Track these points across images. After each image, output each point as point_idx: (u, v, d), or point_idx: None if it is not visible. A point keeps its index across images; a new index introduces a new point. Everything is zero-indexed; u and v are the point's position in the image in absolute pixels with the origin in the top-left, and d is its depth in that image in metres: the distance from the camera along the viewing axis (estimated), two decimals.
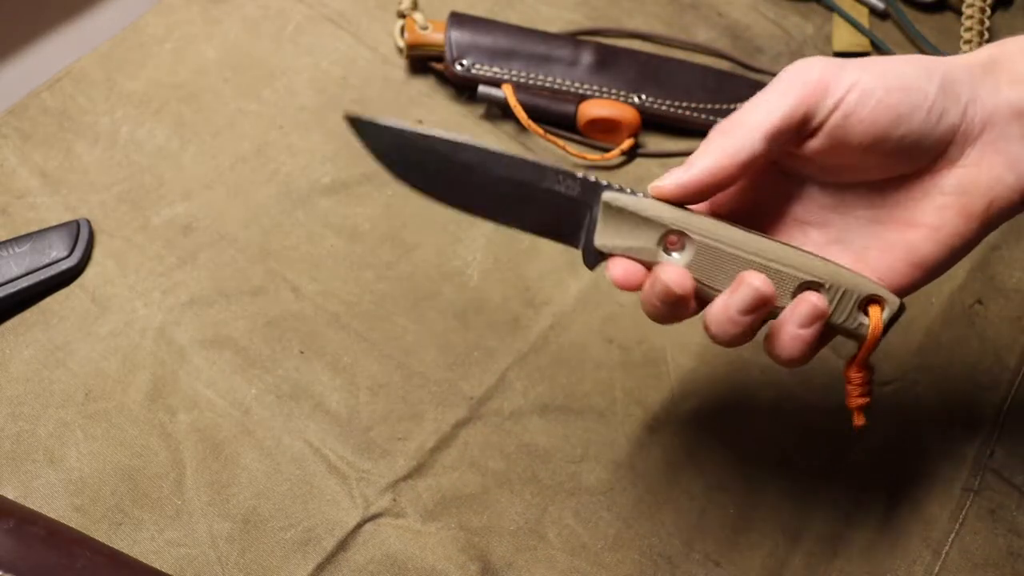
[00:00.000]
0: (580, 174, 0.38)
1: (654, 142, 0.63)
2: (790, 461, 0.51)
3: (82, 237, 0.53)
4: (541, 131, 0.59)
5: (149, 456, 0.48)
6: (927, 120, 0.36)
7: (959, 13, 0.71)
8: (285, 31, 0.64)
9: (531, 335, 0.54)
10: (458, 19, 0.62)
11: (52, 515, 0.45)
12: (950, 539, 0.50)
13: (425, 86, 0.63)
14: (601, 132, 0.61)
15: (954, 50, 0.69)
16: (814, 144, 0.37)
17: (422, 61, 0.63)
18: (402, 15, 0.63)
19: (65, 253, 0.52)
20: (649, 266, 0.38)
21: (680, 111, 0.62)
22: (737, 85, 0.65)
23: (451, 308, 0.54)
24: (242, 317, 0.52)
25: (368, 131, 0.38)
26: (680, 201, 0.37)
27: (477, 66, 0.61)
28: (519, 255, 0.56)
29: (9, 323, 0.51)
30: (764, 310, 0.36)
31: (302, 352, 0.52)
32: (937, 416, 0.54)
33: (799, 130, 0.37)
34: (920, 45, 0.69)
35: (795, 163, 0.39)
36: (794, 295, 0.37)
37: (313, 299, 0.54)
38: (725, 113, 0.63)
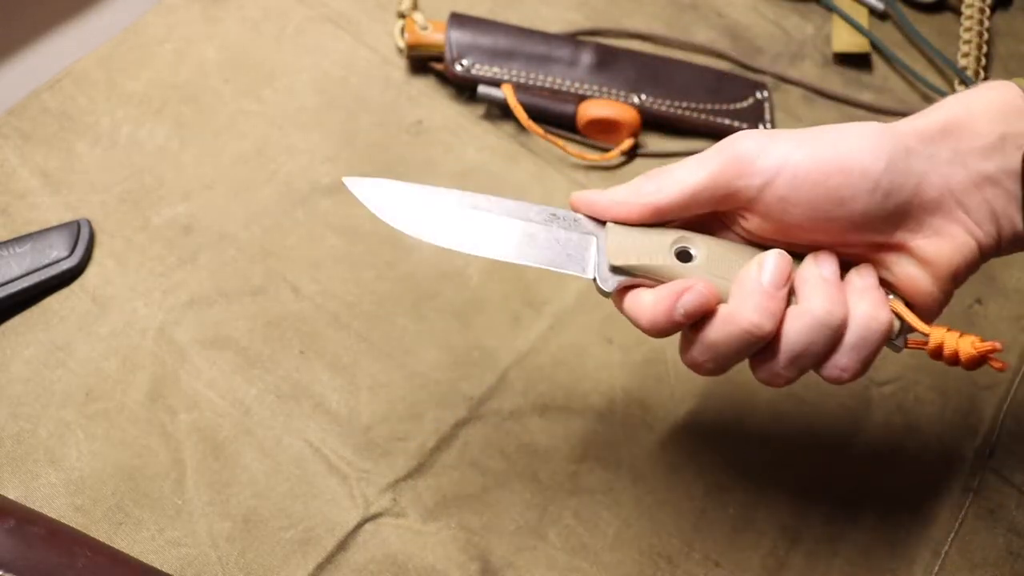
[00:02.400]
0: (575, 214, 0.39)
1: (654, 142, 0.63)
2: (790, 461, 0.51)
3: (82, 237, 0.53)
4: (541, 131, 0.59)
5: (149, 456, 0.48)
6: (871, 200, 0.35)
7: (959, 13, 0.71)
8: (285, 31, 0.64)
9: (531, 335, 0.54)
10: (458, 19, 0.62)
11: (53, 515, 0.45)
12: (950, 539, 0.50)
13: (425, 86, 0.63)
14: (601, 132, 0.61)
15: (954, 50, 0.69)
16: (754, 221, 0.37)
17: (422, 61, 0.63)
18: (402, 15, 0.63)
19: (66, 253, 0.52)
20: (663, 282, 0.37)
21: (680, 111, 0.62)
22: (737, 85, 0.65)
23: (451, 308, 0.54)
24: (242, 317, 0.52)
25: (368, 192, 0.39)
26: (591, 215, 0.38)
27: (477, 66, 0.61)
28: None
29: (10, 323, 0.51)
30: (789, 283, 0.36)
31: (302, 352, 0.52)
32: (937, 416, 0.54)
33: (723, 202, 0.36)
34: (920, 45, 0.70)
35: (749, 235, 0.38)
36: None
37: (313, 299, 0.54)
38: (725, 113, 0.63)
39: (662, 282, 0.37)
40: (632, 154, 0.62)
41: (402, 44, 0.62)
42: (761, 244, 0.38)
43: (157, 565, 0.45)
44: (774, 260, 0.36)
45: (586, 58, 0.62)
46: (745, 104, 0.64)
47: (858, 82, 0.68)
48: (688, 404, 0.52)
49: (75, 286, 0.52)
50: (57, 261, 0.52)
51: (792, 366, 0.36)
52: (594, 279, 0.38)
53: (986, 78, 0.68)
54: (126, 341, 0.51)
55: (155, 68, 0.61)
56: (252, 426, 0.49)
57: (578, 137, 0.62)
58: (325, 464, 0.49)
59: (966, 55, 0.68)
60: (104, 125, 0.58)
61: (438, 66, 0.62)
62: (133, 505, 0.46)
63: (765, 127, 0.63)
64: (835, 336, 0.35)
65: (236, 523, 0.46)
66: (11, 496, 0.45)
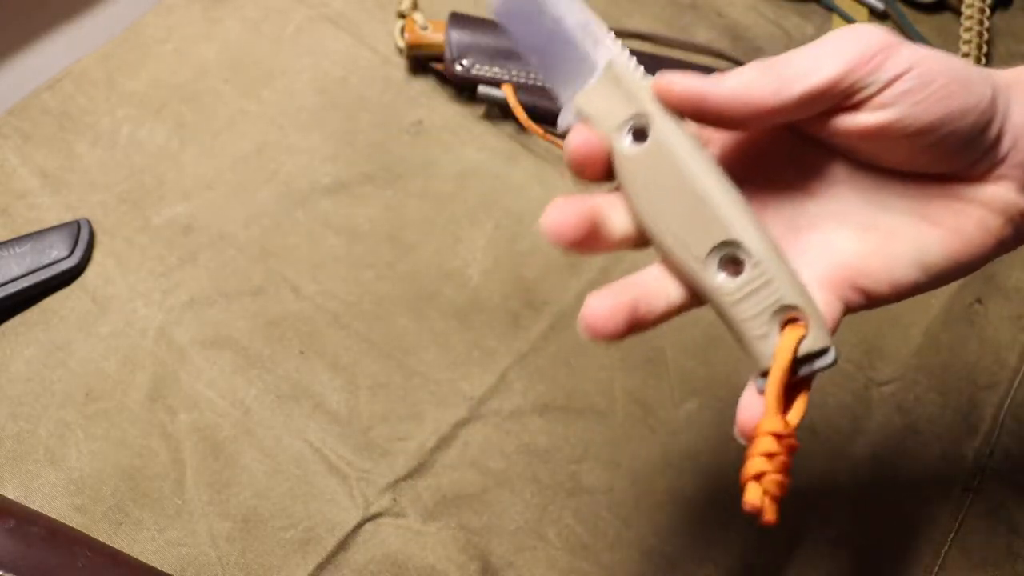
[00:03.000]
0: (606, 35, 0.34)
1: None
2: (795, 466, 0.51)
3: (82, 237, 0.53)
4: (541, 131, 0.59)
5: (149, 456, 0.48)
6: (977, 123, 0.34)
7: (958, 13, 0.71)
8: (285, 31, 0.64)
9: (531, 335, 0.54)
10: (458, 19, 0.62)
11: (53, 515, 0.45)
12: (950, 539, 0.50)
13: (425, 86, 0.63)
14: None
15: (954, 50, 0.69)
16: (860, 119, 0.34)
17: (422, 61, 0.63)
18: (402, 15, 0.63)
19: (65, 253, 0.52)
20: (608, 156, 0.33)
21: None
22: None
23: (451, 308, 0.54)
24: (242, 317, 0.53)
25: None
26: (678, 109, 0.33)
27: (477, 66, 0.61)
28: (519, 255, 0.56)
29: (9, 323, 0.51)
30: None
31: (302, 352, 0.52)
32: (937, 416, 0.54)
33: (844, 97, 0.33)
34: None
35: (825, 131, 0.35)
36: (710, 253, 0.31)
37: (313, 299, 0.54)
38: None
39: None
40: None
41: (402, 44, 0.62)
42: (839, 151, 0.35)
43: (157, 565, 0.45)
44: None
45: None
46: None
47: None
48: (688, 404, 0.52)
49: (75, 286, 0.52)
50: (57, 261, 0.52)
51: None
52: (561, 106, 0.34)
53: None
54: (126, 341, 0.51)
55: (155, 68, 0.61)
56: (252, 426, 0.49)
57: None
58: (325, 464, 0.49)
59: (966, 55, 0.68)
60: (104, 125, 0.58)
61: (438, 66, 0.62)
62: (133, 505, 0.46)
63: None
64: None
65: (236, 523, 0.46)
66: (11, 496, 0.45)
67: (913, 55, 0.34)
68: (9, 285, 0.51)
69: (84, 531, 0.45)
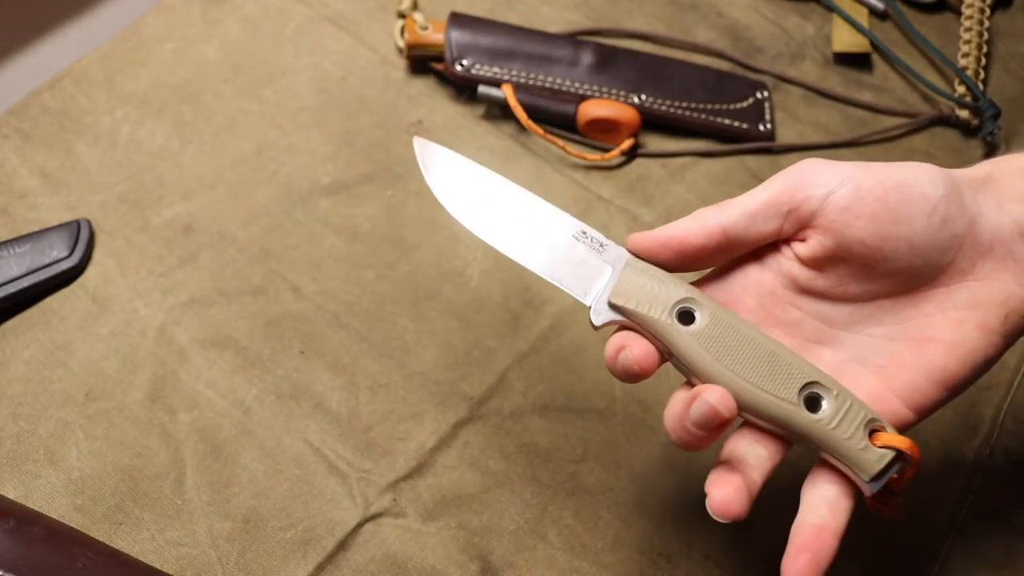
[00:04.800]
0: (608, 240, 0.39)
1: (654, 142, 0.63)
2: (790, 461, 0.51)
3: (82, 237, 0.53)
4: (541, 131, 0.59)
5: (149, 456, 0.48)
6: (929, 224, 0.35)
7: (958, 13, 0.71)
8: (285, 31, 0.64)
9: (531, 335, 0.54)
10: (458, 19, 0.62)
11: (53, 515, 0.45)
12: (950, 539, 0.50)
13: (425, 86, 0.63)
14: (601, 132, 0.61)
15: (954, 50, 0.69)
16: (814, 243, 0.37)
17: (422, 61, 0.63)
18: (402, 15, 0.63)
19: (66, 253, 0.52)
20: (656, 338, 0.37)
21: (680, 111, 0.62)
22: (737, 85, 0.65)
23: (451, 308, 0.54)
24: (242, 317, 0.53)
25: (429, 154, 0.41)
26: (654, 257, 0.38)
27: (477, 66, 0.61)
28: None
29: (9, 323, 0.51)
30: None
31: (302, 352, 0.52)
32: (937, 416, 0.54)
33: (789, 215, 0.37)
34: (920, 45, 0.70)
35: (804, 277, 0.38)
36: (800, 393, 0.36)
37: (313, 299, 0.54)
38: (725, 113, 0.63)
39: (653, 334, 0.37)
40: (632, 154, 0.62)
41: (402, 44, 0.62)
42: (805, 290, 0.38)
43: (157, 565, 0.45)
44: (705, 404, 0.35)
45: (586, 58, 0.62)
46: (745, 104, 0.64)
47: (858, 82, 0.68)
48: None
49: (75, 286, 0.52)
50: (57, 261, 0.52)
51: None
52: (589, 308, 0.38)
53: (986, 78, 0.68)
54: (126, 341, 0.51)
55: (155, 68, 0.61)
56: (252, 426, 0.49)
57: (578, 137, 0.62)
58: (325, 464, 0.49)
59: (966, 55, 0.68)
60: (104, 125, 0.58)
61: (438, 66, 0.62)
62: (133, 505, 0.46)
63: (765, 127, 0.63)
64: None
65: (236, 523, 0.46)
66: (11, 496, 0.45)
67: (846, 172, 0.36)
68: (9, 285, 0.51)
69: (84, 531, 0.45)
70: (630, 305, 0.37)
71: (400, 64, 0.64)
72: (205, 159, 0.58)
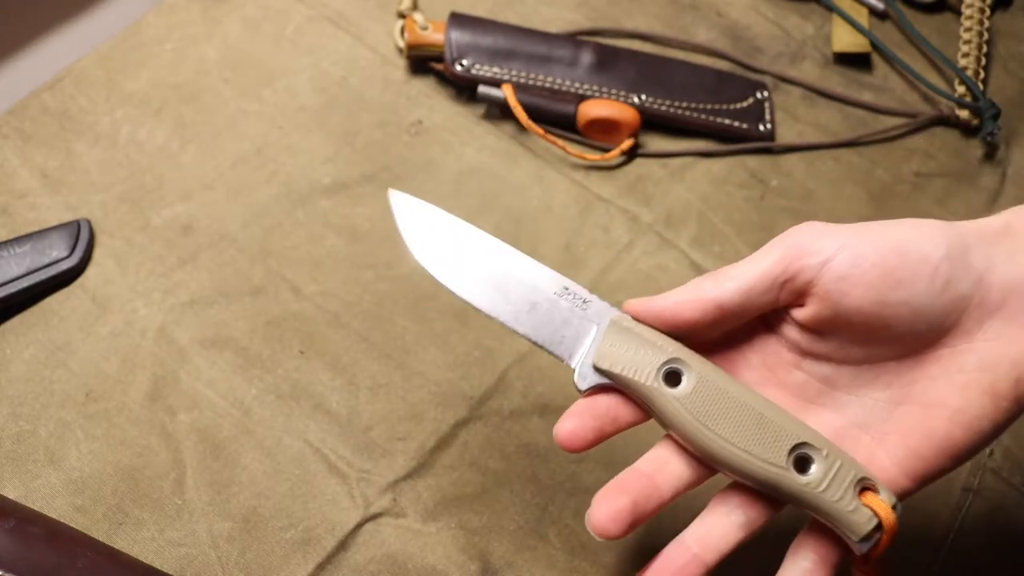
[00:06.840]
0: (591, 295, 0.38)
1: (654, 142, 0.63)
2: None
3: (82, 237, 0.53)
4: (541, 131, 0.59)
5: (149, 456, 0.48)
6: (931, 287, 0.34)
7: (958, 13, 0.71)
8: (285, 31, 0.64)
9: None
10: (458, 19, 0.62)
11: (53, 515, 0.45)
12: (950, 539, 0.50)
13: (425, 86, 0.63)
14: (601, 132, 0.61)
15: (954, 50, 0.69)
16: (810, 310, 0.36)
17: (422, 61, 0.63)
18: (402, 15, 0.63)
19: (66, 253, 0.52)
20: (642, 401, 0.37)
21: (680, 111, 0.62)
22: (737, 85, 0.65)
23: (451, 308, 0.54)
24: (242, 317, 0.53)
25: (404, 207, 0.39)
26: (650, 324, 0.37)
27: (477, 66, 0.61)
28: None
29: (9, 323, 0.51)
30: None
31: (302, 352, 0.52)
32: None
33: (785, 286, 0.36)
34: (920, 45, 0.70)
35: (805, 341, 0.37)
36: (789, 455, 0.35)
37: (313, 299, 0.54)
38: (725, 113, 0.63)
39: (639, 397, 0.36)
40: (632, 154, 0.62)
41: (402, 44, 0.62)
42: (804, 351, 0.38)
43: (157, 565, 0.45)
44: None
45: (586, 58, 0.62)
46: (745, 104, 0.64)
47: (858, 82, 0.68)
48: None
49: (75, 286, 0.52)
50: (57, 261, 0.52)
51: None
52: (574, 371, 0.37)
53: (986, 78, 0.68)
54: (126, 341, 0.51)
55: (155, 68, 0.61)
56: (252, 426, 0.49)
57: (578, 137, 0.62)
58: (325, 464, 0.49)
59: (966, 55, 0.68)
60: (104, 125, 0.58)
61: (438, 66, 0.62)
62: (133, 505, 0.46)
63: (765, 127, 0.64)
64: None
65: (236, 523, 0.46)
66: (11, 496, 0.45)
67: (841, 238, 0.35)
68: (9, 285, 0.51)
69: (84, 531, 0.45)
70: (615, 369, 0.36)
71: (400, 64, 0.64)
72: (205, 159, 0.58)
